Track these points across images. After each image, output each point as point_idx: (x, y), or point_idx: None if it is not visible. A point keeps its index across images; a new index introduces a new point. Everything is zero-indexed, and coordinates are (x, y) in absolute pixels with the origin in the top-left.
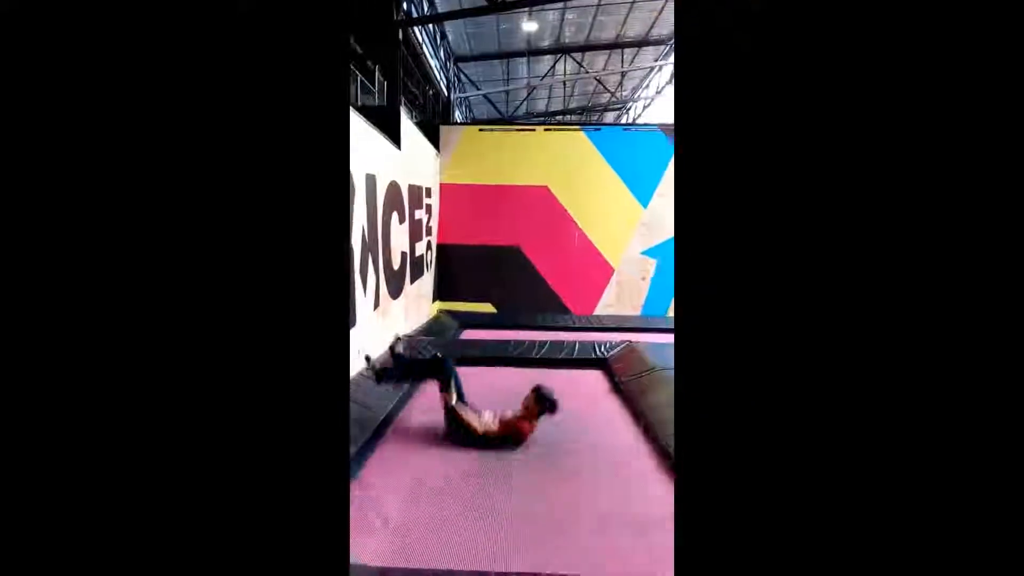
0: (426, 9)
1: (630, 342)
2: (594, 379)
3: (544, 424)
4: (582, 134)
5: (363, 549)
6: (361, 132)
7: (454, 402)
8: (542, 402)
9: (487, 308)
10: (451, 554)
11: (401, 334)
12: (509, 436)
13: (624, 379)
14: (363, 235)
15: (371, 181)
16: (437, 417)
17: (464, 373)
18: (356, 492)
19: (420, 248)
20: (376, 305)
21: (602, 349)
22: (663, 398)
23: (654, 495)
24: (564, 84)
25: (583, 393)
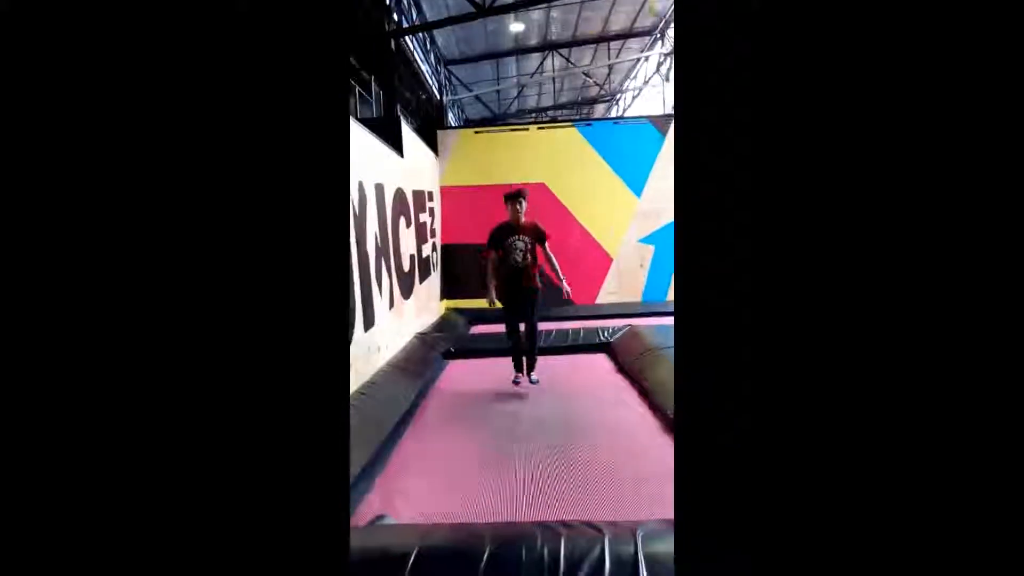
0: (415, 18)
1: (632, 326)
2: (600, 361)
3: (556, 400)
4: (575, 130)
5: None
6: (368, 144)
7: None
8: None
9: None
10: (470, 509)
11: (416, 332)
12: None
13: (628, 359)
14: (376, 241)
15: (380, 190)
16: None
17: (477, 364)
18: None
19: (426, 250)
20: (391, 305)
21: (605, 334)
22: (663, 374)
23: (657, 455)
24: (553, 80)
25: (590, 375)
